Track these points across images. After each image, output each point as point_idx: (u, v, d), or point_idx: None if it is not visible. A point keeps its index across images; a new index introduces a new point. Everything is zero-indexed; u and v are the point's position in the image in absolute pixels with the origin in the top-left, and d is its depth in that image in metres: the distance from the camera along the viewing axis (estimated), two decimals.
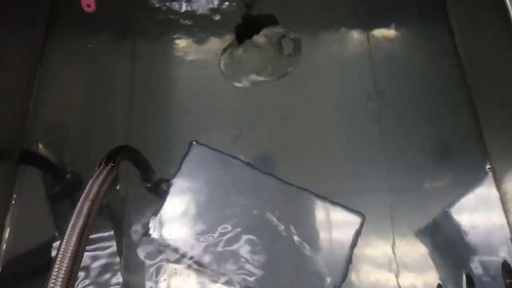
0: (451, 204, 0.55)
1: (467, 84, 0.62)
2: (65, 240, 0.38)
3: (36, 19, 0.64)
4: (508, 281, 0.50)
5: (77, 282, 0.48)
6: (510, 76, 0.51)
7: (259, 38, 0.59)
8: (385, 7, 0.67)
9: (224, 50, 0.63)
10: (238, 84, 0.61)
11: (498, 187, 0.55)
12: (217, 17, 0.66)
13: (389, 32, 0.66)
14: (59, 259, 0.37)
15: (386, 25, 0.66)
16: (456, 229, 0.54)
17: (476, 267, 0.52)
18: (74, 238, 0.38)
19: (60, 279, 0.36)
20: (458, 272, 0.52)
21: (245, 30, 0.64)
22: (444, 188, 0.56)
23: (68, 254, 0.37)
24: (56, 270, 0.36)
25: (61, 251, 0.37)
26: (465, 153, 0.58)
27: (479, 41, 0.58)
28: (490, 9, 0.54)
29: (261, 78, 0.60)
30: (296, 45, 0.58)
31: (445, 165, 0.57)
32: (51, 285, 0.35)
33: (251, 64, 0.59)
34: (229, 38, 0.64)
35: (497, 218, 0.54)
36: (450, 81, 0.62)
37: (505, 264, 0.51)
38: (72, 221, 0.39)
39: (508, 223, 0.53)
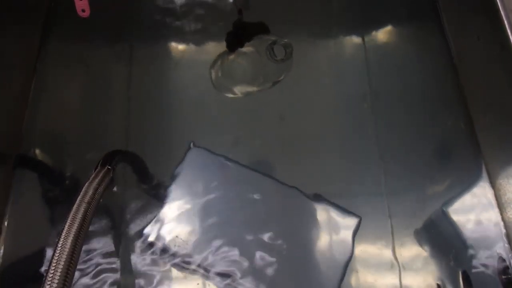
0: (447, 202, 0.55)
1: (459, 82, 0.62)
2: (60, 243, 0.38)
3: (31, 25, 0.64)
4: (503, 276, 0.51)
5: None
6: (500, 74, 0.51)
7: (250, 46, 0.59)
8: (379, 10, 0.68)
9: (215, 62, 0.62)
10: (230, 95, 0.61)
11: (492, 185, 0.56)
12: (214, 21, 0.67)
13: (384, 34, 0.66)
14: (54, 261, 0.37)
15: (380, 27, 0.67)
16: (453, 227, 0.54)
17: (472, 264, 0.52)
18: (69, 240, 0.38)
19: (56, 282, 0.36)
20: (455, 269, 0.52)
21: (236, 38, 0.64)
22: (440, 187, 0.56)
23: (64, 256, 0.37)
24: (52, 272, 0.36)
25: (57, 253, 0.37)
26: (459, 151, 0.59)
27: (470, 40, 0.59)
28: (479, 9, 0.55)
29: (254, 88, 0.60)
30: (287, 51, 0.57)
31: (441, 164, 0.58)
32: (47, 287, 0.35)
33: (242, 74, 0.59)
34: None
35: (492, 215, 0.54)
36: (443, 80, 0.63)
37: (500, 260, 0.52)
38: (67, 223, 0.39)
39: (502, 219, 0.54)
